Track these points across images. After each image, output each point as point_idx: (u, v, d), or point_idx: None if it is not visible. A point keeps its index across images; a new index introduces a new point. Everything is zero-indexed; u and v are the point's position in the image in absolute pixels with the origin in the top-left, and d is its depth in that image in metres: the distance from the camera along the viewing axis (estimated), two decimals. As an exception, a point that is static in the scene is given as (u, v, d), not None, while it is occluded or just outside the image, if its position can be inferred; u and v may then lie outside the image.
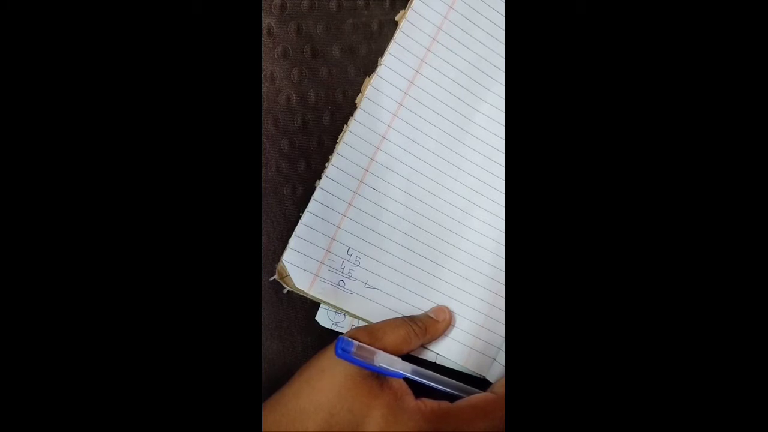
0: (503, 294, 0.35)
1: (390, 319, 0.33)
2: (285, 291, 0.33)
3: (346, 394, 0.29)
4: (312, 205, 0.33)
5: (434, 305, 0.35)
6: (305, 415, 0.28)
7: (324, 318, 0.34)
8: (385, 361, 0.30)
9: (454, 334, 0.35)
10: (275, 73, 0.33)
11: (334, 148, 0.33)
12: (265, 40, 0.33)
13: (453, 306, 0.35)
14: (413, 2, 0.34)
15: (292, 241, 0.33)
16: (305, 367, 0.30)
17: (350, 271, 0.34)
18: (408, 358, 0.32)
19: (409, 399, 0.30)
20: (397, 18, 0.34)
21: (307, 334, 0.34)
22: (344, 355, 0.29)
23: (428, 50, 0.34)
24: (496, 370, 0.36)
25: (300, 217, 0.33)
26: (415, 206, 0.35)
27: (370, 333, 0.31)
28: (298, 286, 0.33)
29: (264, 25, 0.33)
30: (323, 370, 0.29)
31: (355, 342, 0.29)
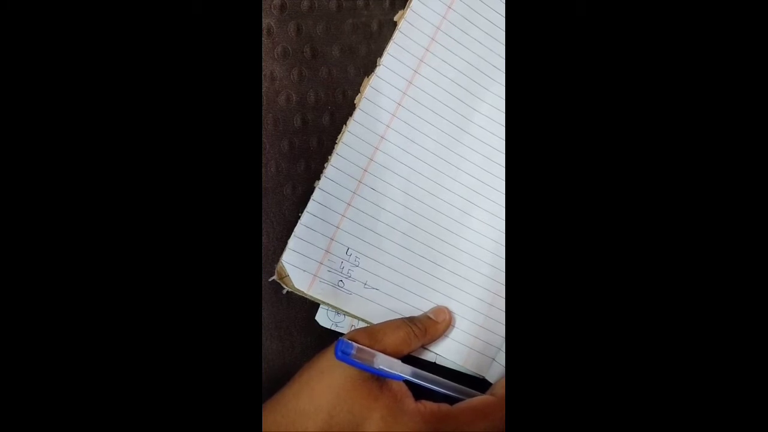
0: (503, 294, 0.35)
1: (389, 321, 0.33)
2: (284, 291, 0.33)
3: (345, 396, 0.29)
4: (311, 206, 0.33)
5: (433, 305, 0.35)
6: (305, 417, 0.28)
7: (324, 318, 0.34)
8: (385, 363, 0.30)
9: (454, 334, 0.35)
10: (275, 73, 0.33)
11: (333, 148, 0.33)
12: (265, 40, 0.33)
13: (452, 306, 0.35)
14: (412, 2, 0.34)
15: (291, 242, 0.33)
16: (305, 369, 0.30)
17: (349, 271, 0.34)
18: (408, 358, 0.32)
19: (409, 401, 0.30)
20: (395, 18, 0.34)
21: (306, 334, 0.34)
22: (344, 357, 0.29)
23: (427, 50, 0.34)
24: (495, 370, 0.36)
25: (299, 217, 0.33)
26: (414, 206, 0.35)
27: (370, 335, 0.31)
28: (297, 286, 0.33)
29: (264, 25, 0.33)
30: (323, 371, 0.29)
31: (354, 344, 0.29)
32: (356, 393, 0.29)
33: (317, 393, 0.29)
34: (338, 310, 0.34)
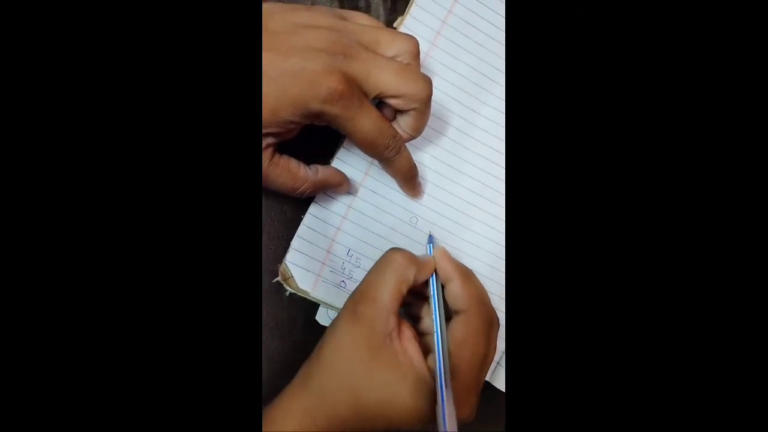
0: (503, 295, 0.35)
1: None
2: (287, 293, 0.33)
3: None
4: (313, 208, 0.34)
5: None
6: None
7: (324, 317, 0.34)
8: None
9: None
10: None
11: (335, 151, 0.34)
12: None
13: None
14: (412, 7, 0.34)
15: (295, 242, 0.33)
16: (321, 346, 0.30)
17: (351, 272, 0.34)
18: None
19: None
20: (395, 24, 0.35)
21: (307, 333, 0.34)
22: None
23: (427, 55, 0.35)
24: (496, 372, 0.36)
25: (301, 218, 0.33)
26: (414, 209, 0.35)
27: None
28: (301, 287, 0.33)
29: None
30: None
31: None
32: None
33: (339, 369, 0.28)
34: (339, 310, 0.34)
